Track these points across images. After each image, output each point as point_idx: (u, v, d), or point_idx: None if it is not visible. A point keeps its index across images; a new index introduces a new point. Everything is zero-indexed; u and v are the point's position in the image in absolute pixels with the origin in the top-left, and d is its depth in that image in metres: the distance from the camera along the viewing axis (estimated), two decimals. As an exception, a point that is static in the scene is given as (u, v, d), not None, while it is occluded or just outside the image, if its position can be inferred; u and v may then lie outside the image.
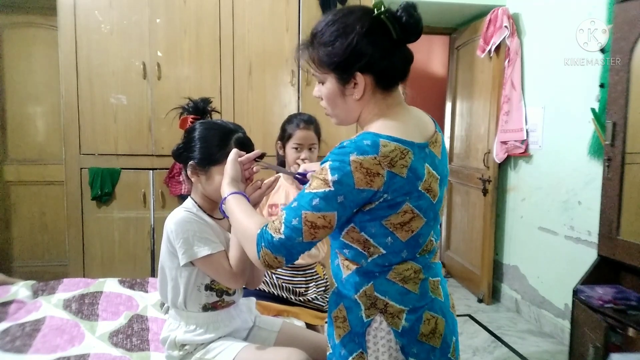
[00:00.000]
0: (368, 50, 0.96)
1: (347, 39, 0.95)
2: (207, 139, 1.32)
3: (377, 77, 1.00)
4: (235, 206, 1.09)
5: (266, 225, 0.98)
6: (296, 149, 1.93)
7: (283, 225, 0.95)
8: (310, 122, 1.96)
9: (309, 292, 1.97)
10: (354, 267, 1.02)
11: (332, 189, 0.91)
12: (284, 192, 1.99)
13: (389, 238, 0.97)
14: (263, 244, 0.96)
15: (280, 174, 1.71)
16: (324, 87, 1.03)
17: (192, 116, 1.39)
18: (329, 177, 0.91)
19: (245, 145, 1.34)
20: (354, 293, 1.02)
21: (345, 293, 1.04)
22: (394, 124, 0.99)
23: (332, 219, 0.94)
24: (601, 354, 2.07)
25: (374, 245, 0.98)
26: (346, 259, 1.04)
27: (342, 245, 1.03)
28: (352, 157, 0.91)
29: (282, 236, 0.94)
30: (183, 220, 1.30)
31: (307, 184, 0.96)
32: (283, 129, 2.01)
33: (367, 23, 0.96)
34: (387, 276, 1.00)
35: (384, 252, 0.98)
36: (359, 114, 1.04)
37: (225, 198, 1.12)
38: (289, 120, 2.02)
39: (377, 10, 0.96)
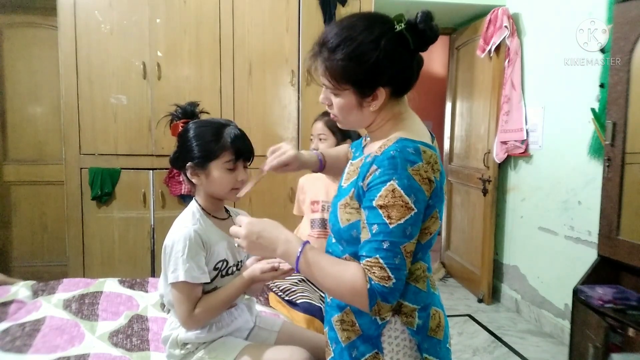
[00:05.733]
0: (391, 67, 0.95)
1: (370, 57, 0.93)
2: (202, 135, 1.33)
3: (395, 88, 1.00)
4: (317, 257, 0.98)
5: (370, 279, 0.91)
6: (311, 140, 2.06)
7: (388, 269, 0.90)
8: (324, 114, 2.03)
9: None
10: None
11: (416, 210, 0.91)
12: (323, 187, 2.03)
13: None
14: (378, 298, 0.91)
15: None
16: (338, 99, 1.00)
17: (182, 121, 1.39)
18: (408, 200, 0.90)
19: (239, 138, 1.35)
20: None
21: None
22: (416, 128, 1.01)
23: (416, 238, 0.94)
24: (601, 354, 2.07)
25: None
26: None
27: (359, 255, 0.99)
28: (410, 171, 0.90)
29: (394, 280, 0.90)
30: (180, 240, 1.29)
31: (381, 214, 0.90)
32: None
33: (390, 39, 0.94)
34: None
35: None
36: (372, 121, 1.04)
37: (300, 253, 0.97)
38: None
39: (398, 25, 0.94)
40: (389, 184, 0.90)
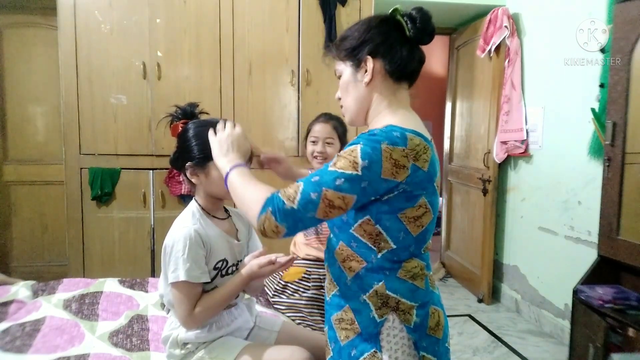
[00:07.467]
0: (378, 37, 1.03)
1: (361, 30, 1.06)
2: (201, 134, 1.32)
3: (387, 64, 1.04)
4: (243, 175, 1.06)
5: (278, 191, 0.95)
6: (313, 142, 1.95)
7: (299, 195, 0.92)
8: (330, 118, 1.97)
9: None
10: (359, 267, 1.02)
11: (360, 173, 0.91)
12: None
13: (402, 232, 0.99)
14: (270, 207, 0.93)
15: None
16: (342, 78, 1.09)
17: (182, 121, 1.39)
18: (359, 161, 0.91)
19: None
20: (363, 294, 1.02)
21: (351, 295, 1.04)
22: (412, 118, 1.04)
23: (350, 202, 0.93)
24: (601, 354, 2.07)
25: (385, 240, 0.99)
26: (349, 260, 1.03)
27: (350, 239, 1.02)
28: (384, 146, 0.92)
29: (295, 206, 0.92)
30: (180, 240, 1.29)
31: (332, 162, 0.95)
32: (308, 127, 2.04)
33: (382, 19, 1.06)
34: (397, 274, 1.01)
35: (394, 247, 0.99)
36: (370, 104, 1.07)
37: (230, 170, 1.08)
38: (315, 117, 2.04)
39: (393, 12, 1.05)
40: (355, 145, 0.94)
